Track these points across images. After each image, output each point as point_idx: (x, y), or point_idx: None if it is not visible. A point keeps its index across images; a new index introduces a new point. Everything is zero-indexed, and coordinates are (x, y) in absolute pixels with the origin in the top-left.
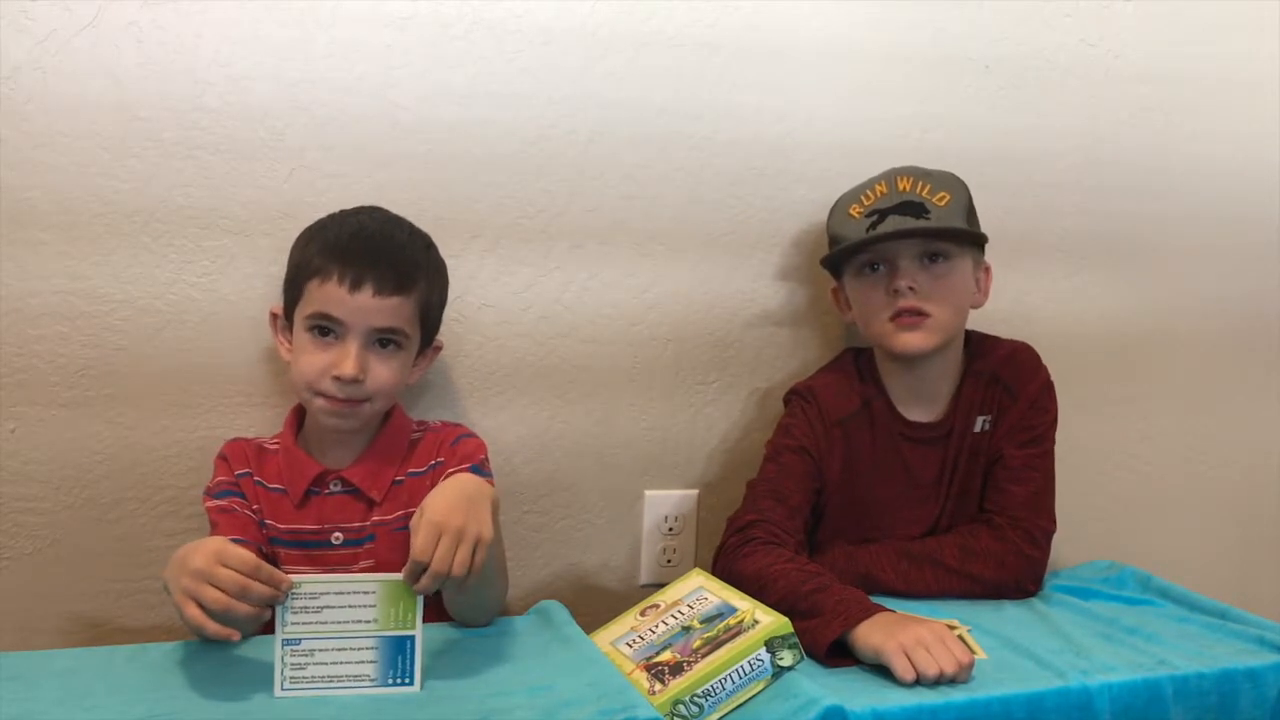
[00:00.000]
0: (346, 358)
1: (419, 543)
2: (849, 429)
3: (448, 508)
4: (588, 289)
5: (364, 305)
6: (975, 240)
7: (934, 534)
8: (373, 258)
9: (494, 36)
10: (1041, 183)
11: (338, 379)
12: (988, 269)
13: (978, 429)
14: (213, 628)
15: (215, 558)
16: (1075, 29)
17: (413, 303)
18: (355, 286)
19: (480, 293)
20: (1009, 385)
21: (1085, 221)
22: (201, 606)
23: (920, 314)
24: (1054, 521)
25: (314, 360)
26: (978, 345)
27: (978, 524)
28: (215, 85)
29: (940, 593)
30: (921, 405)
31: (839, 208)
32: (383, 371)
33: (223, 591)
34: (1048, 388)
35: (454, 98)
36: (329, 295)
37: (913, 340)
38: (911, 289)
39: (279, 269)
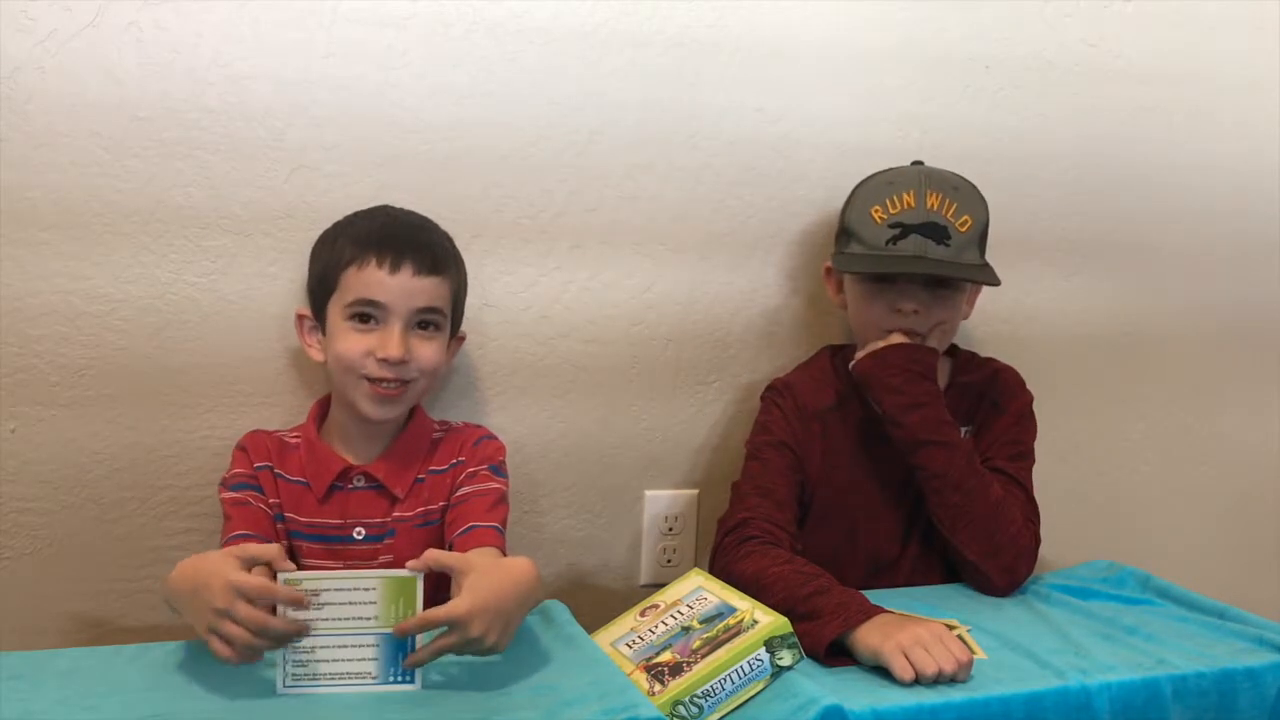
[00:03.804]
0: (390, 339)
1: (432, 615)
2: (827, 422)
3: (482, 606)
4: (588, 289)
5: (405, 286)
6: (991, 283)
7: (908, 538)
8: (408, 240)
9: (494, 36)
10: (1041, 183)
11: (384, 361)
12: (978, 287)
13: None
14: (241, 659)
15: (234, 592)
16: (1075, 29)
17: (447, 284)
18: (395, 268)
19: (481, 293)
20: (995, 400)
21: (1085, 221)
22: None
23: (917, 335)
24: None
25: (356, 344)
26: (965, 360)
27: None
28: (215, 85)
29: (974, 490)
30: None
31: (860, 201)
32: (425, 351)
33: (245, 629)
34: (1031, 408)
35: (454, 98)
36: (369, 279)
37: None
38: (916, 313)
39: (279, 269)
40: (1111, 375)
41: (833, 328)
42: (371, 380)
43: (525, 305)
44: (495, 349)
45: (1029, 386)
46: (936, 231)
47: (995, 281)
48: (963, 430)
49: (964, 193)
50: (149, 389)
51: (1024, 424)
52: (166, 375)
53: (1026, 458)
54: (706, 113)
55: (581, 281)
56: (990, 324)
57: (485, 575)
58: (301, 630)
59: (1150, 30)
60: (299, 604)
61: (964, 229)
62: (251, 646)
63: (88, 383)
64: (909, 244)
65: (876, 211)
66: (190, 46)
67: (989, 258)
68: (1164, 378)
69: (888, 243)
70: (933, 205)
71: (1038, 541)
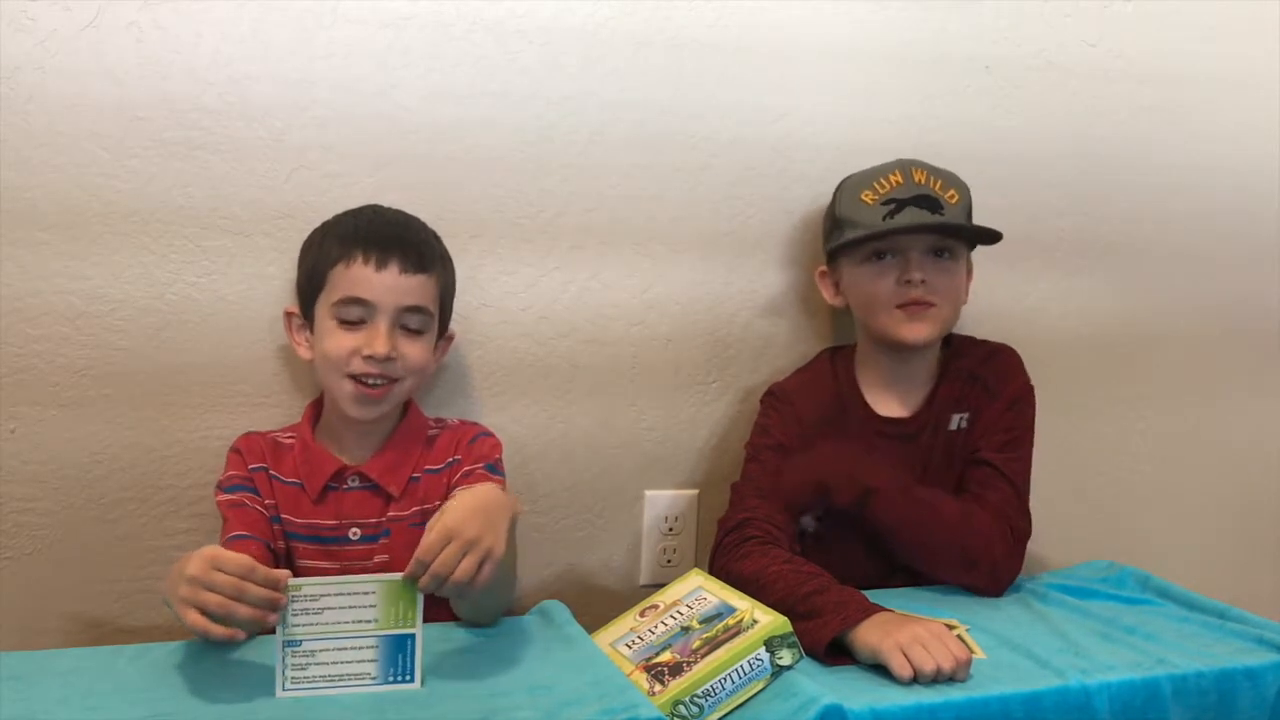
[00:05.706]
0: (377, 336)
1: (427, 542)
2: (824, 430)
3: (466, 515)
4: (588, 289)
5: (391, 284)
6: (993, 240)
7: None
8: (395, 238)
9: (494, 36)
10: (1041, 183)
11: (370, 358)
12: (970, 271)
13: (953, 426)
14: (216, 630)
15: (209, 563)
16: (1075, 29)
17: (434, 283)
18: (381, 265)
19: (480, 293)
20: (988, 384)
21: (1084, 221)
22: (202, 612)
23: (929, 305)
24: (1029, 523)
25: (343, 342)
26: (959, 345)
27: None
28: (215, 85)
29: (927, 523)
30: (896, 400)
31: (848, 191)
32: (412, 350)
33: (221, 595)
34: (1028, 391)
35: (454, 98)
36: (356, 277)
37: (919, 330)
38: (924, 281)
39: (278, 269)
40: (1111, 375)
41: (833, 327)
42: (356, 378)
43: (525, 305)
44: (495, 349)
45: None
46: (930, 202)
47: (998, 236)
48: (957, 417)
49: (946, 175)
50: (149, 389)
51: (1018, 410)
52: (166, 375)
53: (1017, 446)
54: (706, 113)
55: (581, 281)
56: (991, 323)
57: (452, 500)
58: (280, 581)
59: (1150, 30)
60: (277, 584)
61: (953, 202)
62: (231, 615)
63: (88, 383)
64: (906, 215)
65: (867, 195)
66: (190, 46)
67: (990, 256)
68: (1164, 378)
69: (884, 219)
70: (920, 180)
71: (1019, 535)
